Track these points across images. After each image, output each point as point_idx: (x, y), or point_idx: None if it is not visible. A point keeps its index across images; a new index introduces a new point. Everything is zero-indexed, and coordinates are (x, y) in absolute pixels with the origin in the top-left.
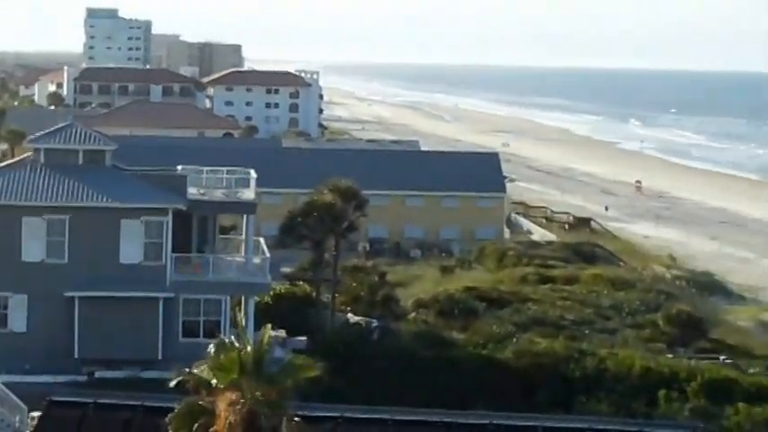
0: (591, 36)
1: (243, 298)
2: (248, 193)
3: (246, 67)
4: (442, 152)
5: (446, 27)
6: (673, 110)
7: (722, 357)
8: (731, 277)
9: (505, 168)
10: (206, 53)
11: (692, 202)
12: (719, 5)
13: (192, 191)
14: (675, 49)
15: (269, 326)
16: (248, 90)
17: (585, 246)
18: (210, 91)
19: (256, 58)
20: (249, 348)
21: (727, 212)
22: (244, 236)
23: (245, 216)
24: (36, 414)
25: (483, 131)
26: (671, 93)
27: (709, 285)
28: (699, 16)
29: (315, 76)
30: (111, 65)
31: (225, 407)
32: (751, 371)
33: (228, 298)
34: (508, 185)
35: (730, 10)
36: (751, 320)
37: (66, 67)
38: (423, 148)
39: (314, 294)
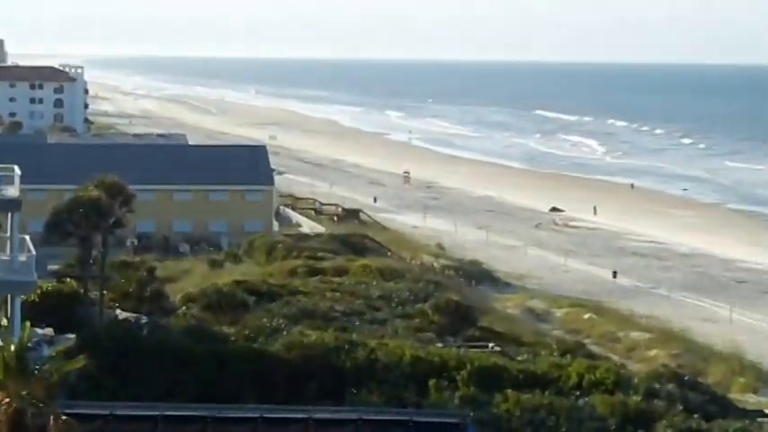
0: (338, 26)
1: (9, 297)
2: (12, 191)
3: (10, 62)
4: (210, 146)
5: (216, 20)
6: (430, 100)
7: (491, 345)
8: (499, 265)
9: (273, 161)
10: None
11: (458, 191)
12: None
13: None
14: (429, 40)
15: (27, 323)
16: (11, 86)
17: (355, 237)
18: None
19: (21, 53)
20: (12, 347)
21: (493, 201)
22: (8, 234)
23: (9, 214)
24: None
25: (250, 124)
26: (427, 83)
27: (477, 274)
28: (455, 8)
29: (79, 71)
30: None
31: None
32: (519, 358)
33: None
34: (276, 178)
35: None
36: (518, 308)
37: None
38: (190, 142)
39: (82, 291)
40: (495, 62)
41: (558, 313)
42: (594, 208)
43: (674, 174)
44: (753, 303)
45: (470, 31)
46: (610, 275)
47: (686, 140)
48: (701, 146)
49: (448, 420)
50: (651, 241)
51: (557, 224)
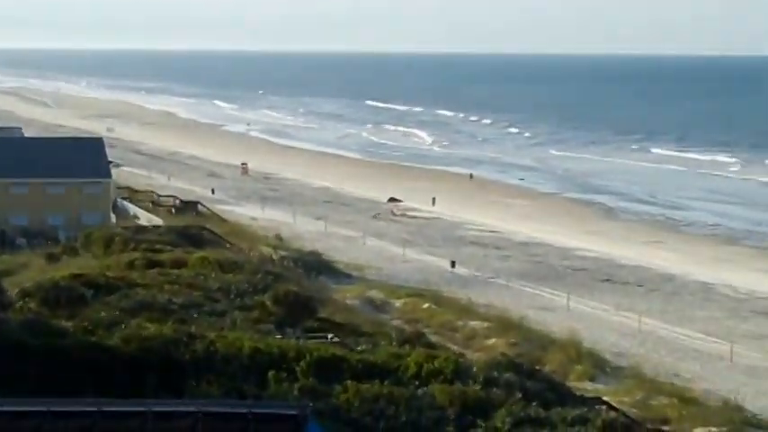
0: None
1: None
2: None
3: None
4: (46, 138)
5: (50, 12)
6: (261, 91)
7: (330, 336)
8: (338, 256)
9: (111, 153)
10: None
11: (296, 182)
12: None
13: None
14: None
15: None
16: None
17: (193, 229)
18: None
19: None
20: None
21: (331, 192)
22: None
23: None
24: None
25: (86, 116)
26: (254, 74)
27: (316, 265)
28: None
29: None
30: None
31: None
32: (359, 348)
33: None
34: (114, 171)
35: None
36: (357, 298)
37: None
38: (26, 135)
39: None
40: (322, 53)
41: (397, 303)
42: (433, 198)
43: (511, 163)
44: (590, 291)
45: (296, 22)
46: (448, 265)
47: (513, 130)
48: (527, 135)
49: (287, 412)
50: (489, 231)
51: (395, 214)
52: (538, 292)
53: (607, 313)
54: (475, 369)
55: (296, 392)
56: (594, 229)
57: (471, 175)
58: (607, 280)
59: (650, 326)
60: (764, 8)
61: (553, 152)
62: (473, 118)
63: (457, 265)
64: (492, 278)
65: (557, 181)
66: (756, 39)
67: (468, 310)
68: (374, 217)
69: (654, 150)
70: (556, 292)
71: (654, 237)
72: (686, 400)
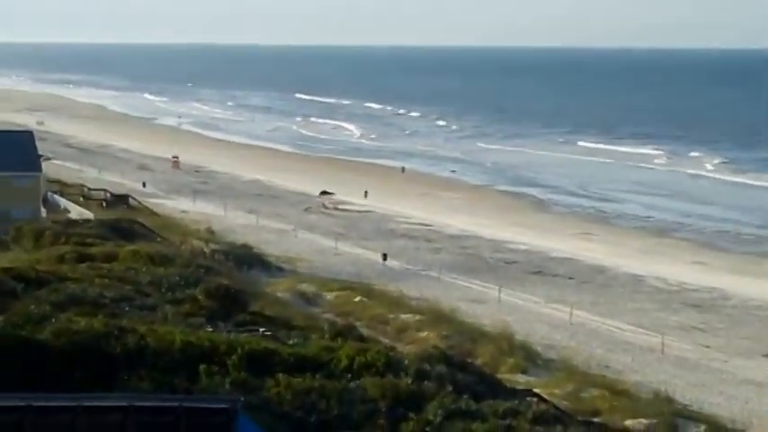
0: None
1: None
2: None
3: None
4: None
5: None
6: (189, 84)
7: (262, 329)
8: (269, 249)
9: (41, 147)
10: None
11: (228, 175)
12: None
13: None
14: (169, 24)
15: None
16: None
17: (124, 222)
18: None
19: None
20: None
21: (263, 185)
22: None
23: None
24: None
25: (16, 110)
26: (179, 67)
27: (247, 258)
28: None
29: None
30: None
31: None
32: (290, 342)
33: None
34: (44, 164)
35: None
36: (289, 292)
37: None
38: None
39: None
40: (247, 46)
41: (329, 296)
42: (366, 191)
43: (442, 156)
44: (521, 284)
45: (221, 16)
46: (380, 258)
47: (441, 123)
48: (454, 127)
49: (218, 406)
50: (421, 224)
51: (327, 207)
52: (469, 284)
53: (538, 305)
54: (406, 362)
55: (227, 386)
56: (526, 221)
57: (403, 168)
58: (538, 272)
59: (581, 318)
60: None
61: (481, 145)
62: (401, 111)
63: (389, 258)
64: (424, 271)
65: (487, 174)
66: (677, 31)
67: (399, 303)
68: (306, 210)
69: (580, 143)
70: (487, 285)
71: (585, 229)
72: (617, 392)
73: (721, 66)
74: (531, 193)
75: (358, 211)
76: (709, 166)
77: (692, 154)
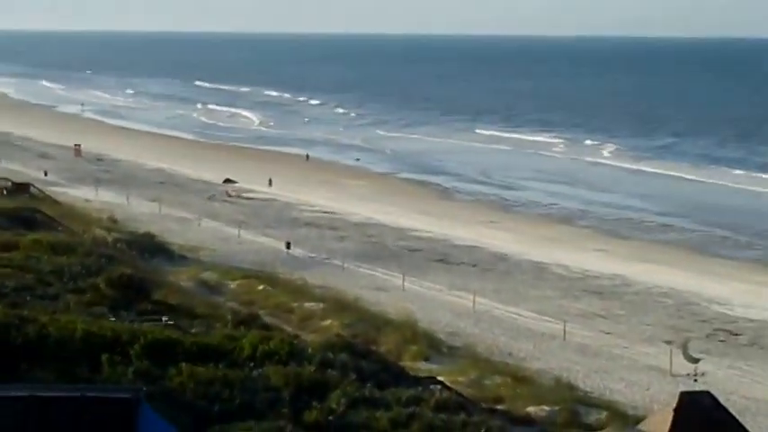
0: None
1: None
2: None
3: None
4: None
5: None
6: (89, 71)
7: (165, 318)
8: (172, 238)
9: None
10: None
11: (130, 163)
12: None
13: None
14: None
15: None
16: None
17: (25, 211)
18: None
19: None
20: None
21: (165, 173)
22: None
23: None
24: None
25: None
26: (77, 53)
27: (150, 247)
28: None
29: None
30: None
31: None
32: (193, 330)
33: None
34: None
35: None
36: (192, 280)
37: None
38: None
39: None
40: (144, 33)
41: (232, 285)
42: (270, 179)
43: (345, 144)
44: (424, 272)
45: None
46: (284, 246)
47: (340, 110)
48: (353, 115)
49: (120, 395)
50: (326, 212)
51: (230, 196)
52: (373, 272)
53: (441, 293)
54: (310, 350)
55: (130, 376)
56: (430, 209)
57: (308, 156)
58: (441, 260)
59: (484, 305)
60: None
61: (380, 132)
62: (301, 98)
63: (293, 247)
64: (327, 259)
65: (391, 162)
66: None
67: (303, 292)
68: (209, 198)
69: (479, 131)
70: (391, 273)
71: (488, 216)
72: (519, 379)
73: (625, 53)
74: (434, 181)
75: (262, 200)
76: (605, 153)
77: (588, 142)
